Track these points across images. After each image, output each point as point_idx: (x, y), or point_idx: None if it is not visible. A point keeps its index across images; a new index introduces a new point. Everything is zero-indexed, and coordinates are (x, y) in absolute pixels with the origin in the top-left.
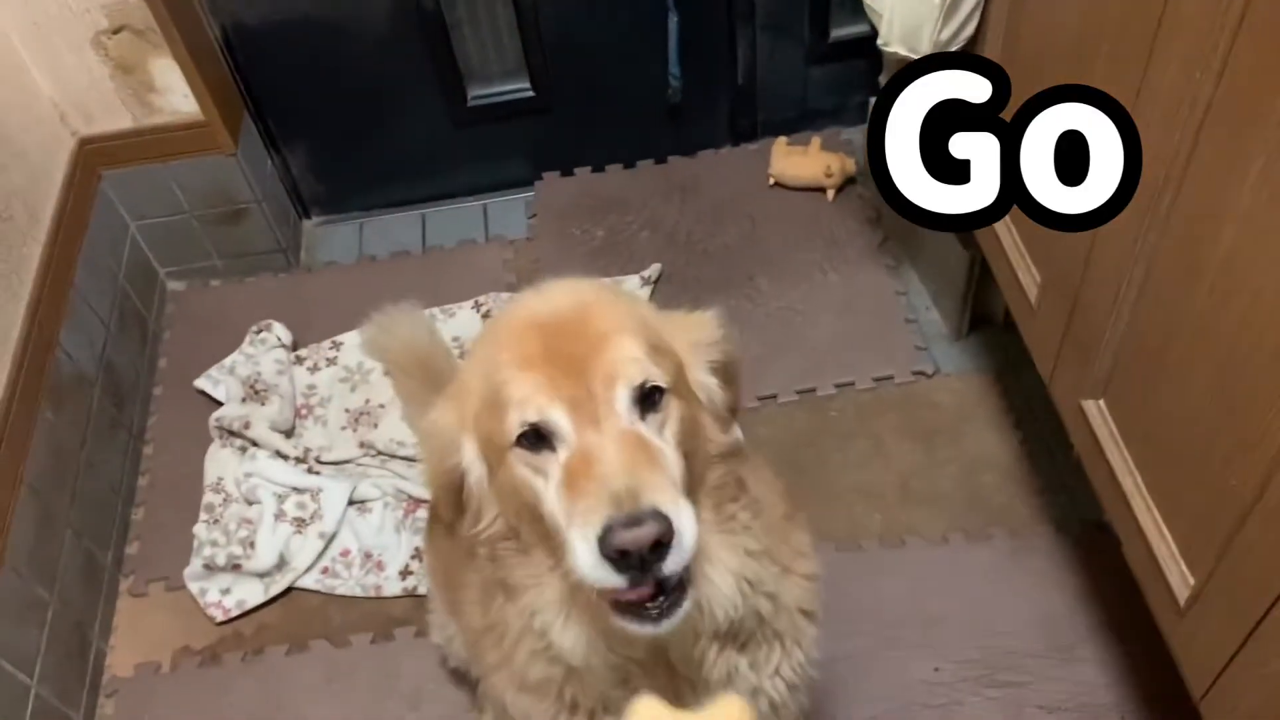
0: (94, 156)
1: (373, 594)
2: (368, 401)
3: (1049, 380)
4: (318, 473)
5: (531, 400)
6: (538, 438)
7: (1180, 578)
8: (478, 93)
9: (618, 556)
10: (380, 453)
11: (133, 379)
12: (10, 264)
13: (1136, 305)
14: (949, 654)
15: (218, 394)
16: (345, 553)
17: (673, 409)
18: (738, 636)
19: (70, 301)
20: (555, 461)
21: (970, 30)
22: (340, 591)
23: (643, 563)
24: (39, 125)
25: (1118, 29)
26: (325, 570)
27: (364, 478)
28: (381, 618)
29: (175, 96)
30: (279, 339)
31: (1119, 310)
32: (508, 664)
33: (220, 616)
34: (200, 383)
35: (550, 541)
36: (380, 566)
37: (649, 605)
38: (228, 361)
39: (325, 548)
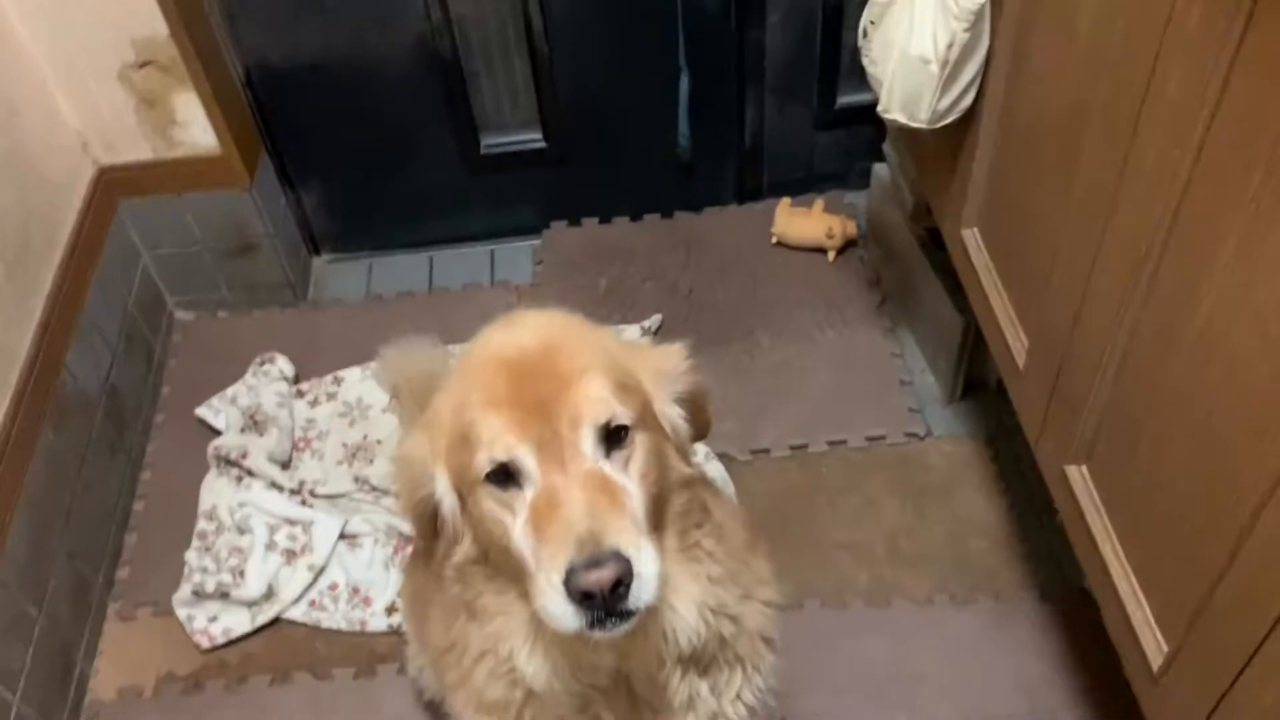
0: (112, 185)
1: (358, 628)
2: (365, 437)
3: (1035, 444)
4: (311, 505)
5: (499, 440)
6: (506, 476)
7: (1155, 644)
8: (491, 141)
9: (581, 598)
10: (374, 488)
11: (135, 404)
12: (24, 284)
13: (1119, 373)
14: (930, 715)
15: (218, 423)
16: (333, 586)
17: (637, 445)
18: (700, 660)
19: (79, 324)
20: (522, 499)
21: (968, 101)
22: (326, 624)
23: (605, 601)
24: (61, 152)
25: (1105, 105)
26: (313, 603)
27: (356, 512)
28: (365, 653)
29: (195, 130)
30: (282, 372)
31: (1102, 377)
32: (466, 683)
33: (206, 644)
34: (201, 411)
35: (518, 572)
36: (367, 602)
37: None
38: (230, 391)
39: (314, 580)
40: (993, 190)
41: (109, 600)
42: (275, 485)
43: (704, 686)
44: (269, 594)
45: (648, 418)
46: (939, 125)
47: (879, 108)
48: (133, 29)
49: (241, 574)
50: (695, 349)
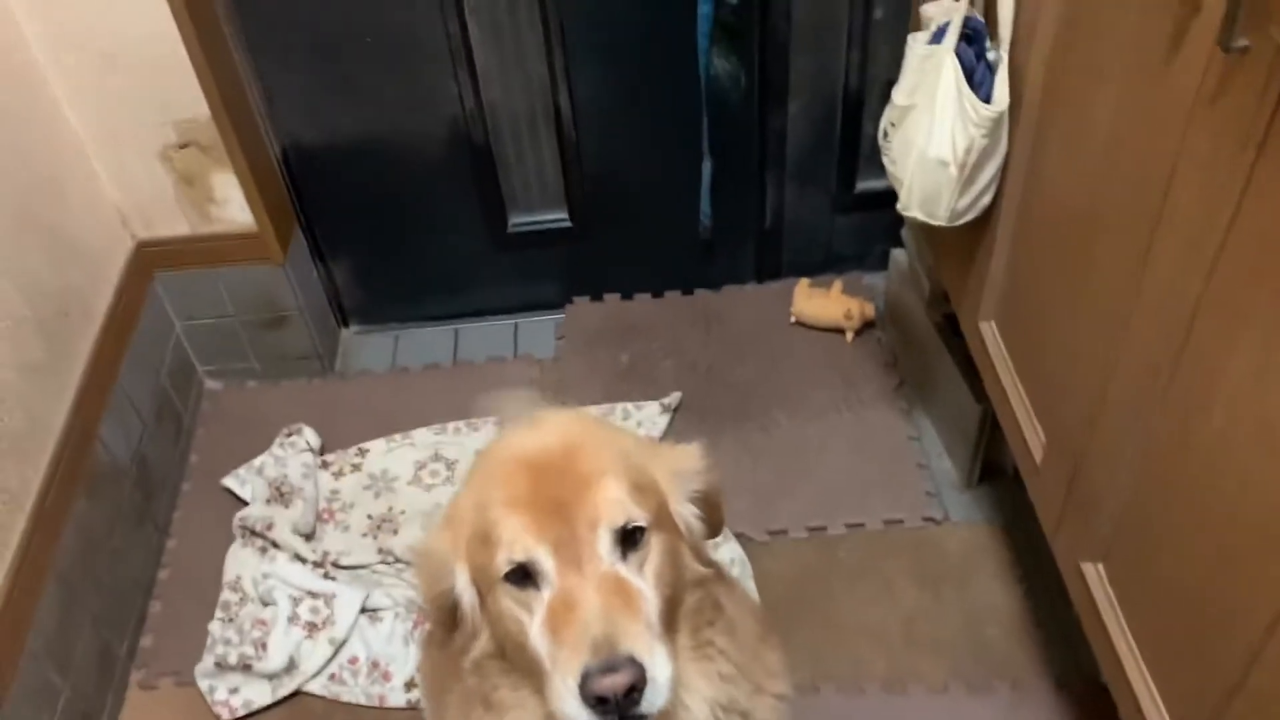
0: (149, 259)
1: (377, 703)
2: (390, 509)
3: (1051, 538)
4: (333, 577)
5: (519, 541)
6: (524, 575)
7: None
8: (518, 220)
9: (595, 702)
10: (398, 560)
11: (163, 473)
12: (62, 358)
13: (1137, 476)
14: None
15: (244, 493)
16: (353, 660)
17: (653, 546)
18: None
19: (113, 395)
20: (540, 600)
21: (986, 201)
22: (345, 698)
23: (619, 706)
24: (101, 227)
25: (1119, 215)
26: (333, 676)
27: (378, 585)
28: None
29: (233, 208)
30: (308, 443)
31: (1119, 478)
32: None
33: (227, 715)
34: (228, 481)
35: (533, 669)
36: (386, 677)
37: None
38: (256, 462)
39: (334, 654)
40: (1010, 286)
41: (132, 669)
42: (299, 557)
43: None
44: (290, 666)
45: (664, 518)
46: (957, 223)
47: (899, 205)
48: (176, 111)
49: (264, 646)
50: (713, 427)
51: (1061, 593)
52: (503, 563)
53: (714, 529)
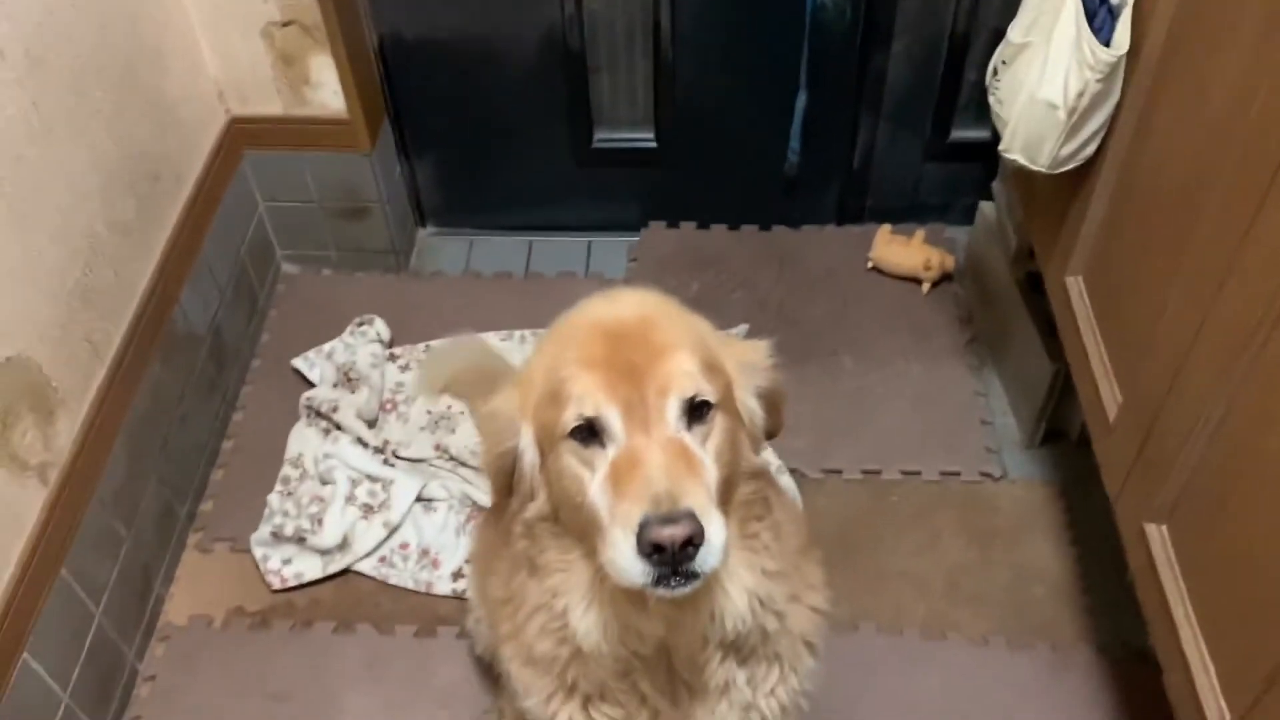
0: (240, 136)
1: (423, 589)
2: (449, 407)
3: (1115, 499)
4: (393, 465)
5: (590, 397)
6: (590, 433)
7: (1218, 712)
8: (603, 136)
9: (651, 551)
10: (453, 457)
11: (235, 347)
12: (150, 221)
13: (1212, 440)
14: None
15: (312, 375)
16: (404, 546)
17: (717, 424)
18: (740, 649)
19: (195, 264)
20: (603, 457)
21: (1090, 150)
22: (393, 581)
23: (673, 558)
24: (198, 99)
25: (1231, 177)
26: (383, 559)
27: (434, 478)
28: (428, 614)
29: (326, 92)
30: (378, 334)
31: (1194, 442)
32: (518, 636)
33: (277, 584)
34: (297, 362)
35: (587, 529)
36: (435, 564)
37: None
38: (327, 347)
39: (387, 537)
40: (1102, 242)
41: (190, 531)
42: (361, 441)
43: (741, 676)
44: (343, 545)
45: (728, 402)
46: (1057, 171)
47: (1000, 146)
48: None
49: (320, 522)
50: (777, 363)
51: (1112, 561)
52: (571, 418)
53: (774, 429)
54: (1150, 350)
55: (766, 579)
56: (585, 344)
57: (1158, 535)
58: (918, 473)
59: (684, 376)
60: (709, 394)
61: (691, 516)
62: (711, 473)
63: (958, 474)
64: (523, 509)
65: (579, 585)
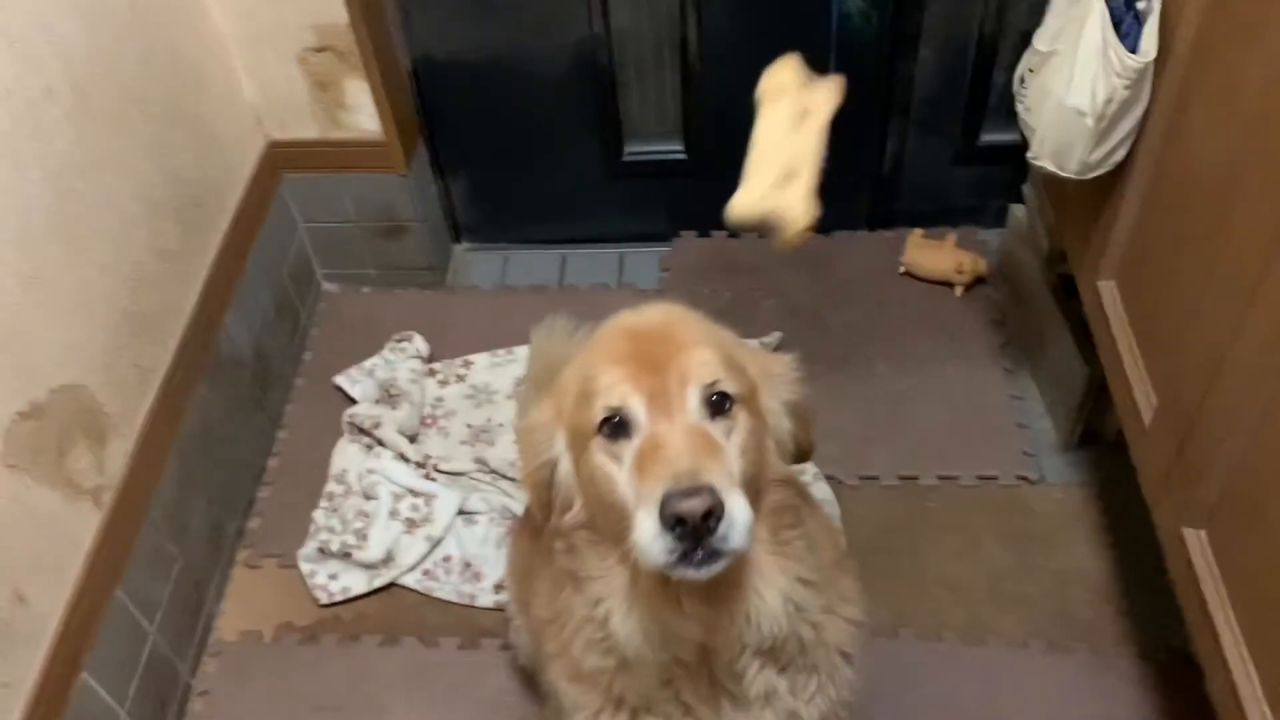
0: (279, 159)
1: (467, 602)
2: (489, 420)
3: (1152, 503)
4: (434, 479)
5: (615, 389)
6: (618, 427)
7: (1260, 718)
8: (634, 149)
9: (674, 523)
10: (493, 470)
11: (279, 366)
12: (195, 246)
13: (1250, 444)
14: None
15: (354, 392)
16: (447, 558)
17: (740, 419)
18: (778, 658)
19: (238, 288)
20: (630, 448)
21: (1120, 155)
22: (437, 594)
23: (695, 532)
24: (238, 125)
25: (1265, 179)
26: (426, 572)
27: (475, 491)
28: (471, 626)
29: (362, 115)
30: (417, 350)
31: (1231, 446)
32: (565, 653)
33: (325, 599)
34: (339, 380)
35: (620, 527)
36: (478, 577)
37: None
38: (368, 364)
39: (430, 551)
40: (1134, 246)
41: (239, 548)
42: (402, 457)
43: (781, 684)
44: (388, 559)
45: (752, 402)
46: (1087, 177)
47: (1029, 154)
48: (316, 15)
49: (365, 537)
50: (811, 370)
51: (1152, 563)
52: (599, 410)
53: (804, 447)
54: (1185, 354)
55: (800, 585)
56: (612, 345)
57: (1196, 540)
58: (955, 477)
59: (703, 366)
60: (729, 386)
61: (711, 490)
62: (734, 460)
63: (995, 478)
64: (560, 519)
65: (618, 590)
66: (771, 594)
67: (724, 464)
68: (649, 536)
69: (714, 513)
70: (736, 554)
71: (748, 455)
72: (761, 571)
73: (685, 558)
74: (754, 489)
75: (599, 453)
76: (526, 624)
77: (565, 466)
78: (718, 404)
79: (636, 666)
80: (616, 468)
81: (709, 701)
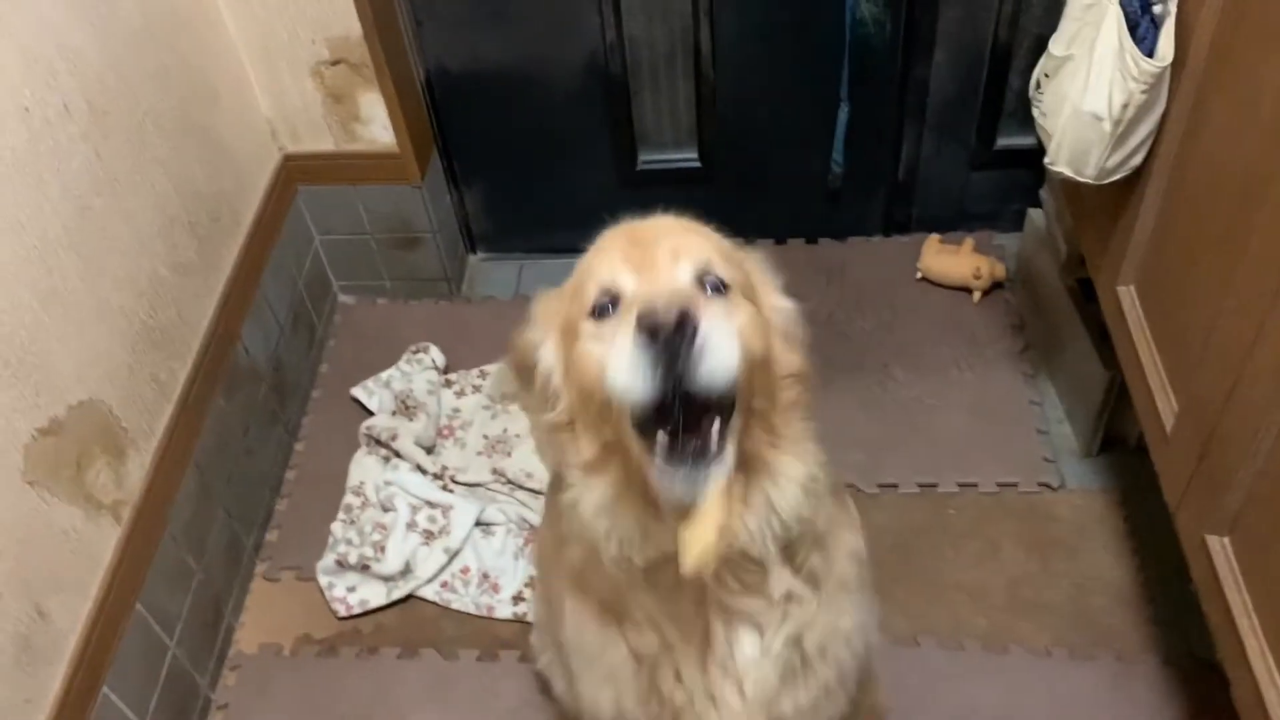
0: (294, 172)
1: (485, 613)
2: (505, 431)
3: (1175, 510)
4: (451, 491)
5: (606, 269)
6: (606, 308)
7: None
8: (647, 157)
9: (648, 339)
10: (510, 481)
11: (296, 379)
12: (212, 260)
13: (1274, 450)
14: None
15: (371, 404)
16: (465, 570)
17: (740, 306)
18: (794, 558)
19: (254, 301)
20: (618, 322)
21: (1138, 160)
22: (455, 606)
23: (669, 349)
24: (253, 138)
25: None
26: (444, 584)
27: (492, 502)
28: (489, 637)
29: (376, 127)
30: (433, 361)
31: (1255, 451)
32: (564, 565)
33: (343, 611)
34: (356, 391)
35: (604, 415)
36: (495, 588)
37: (683, 444)
38: (384, 375)
39: (448, 562)
40: (1154, 250)
41: (257, 561)
42: (420, 468)
43: (801, 587)
44: (405, 571)
45: (750, 294)
46: (1105, 182)
47: (1046, 159)
48: (329, 28)
49: (382, 549)
50: (828, 377)
51: (1175, 569)
52: (591, 292)
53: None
54: (1206, 359)
55: (814, 480)
56: (607, 242)
57: (1220, 547)
58: (974, 484)
59: (695, 247)
60: (724, 272)
61: (687, 312)
62: (730, 330)
63: (1015, 484)
64: (548, 413)
65: (597, 485)
66: (790, 485)
67: (713, 310)
68: (623, 365)
69: (689, 323)
70: (723, 449)
71: (747, 338)
72: (779, 468)
73: (671, 451)
74: (762, 379)
75: (589, 340)
76: (544, 605)
77: (549, 362)
78: (713, 286)
79: (617, 569)
80: (602, 347)
81: (698, 619)
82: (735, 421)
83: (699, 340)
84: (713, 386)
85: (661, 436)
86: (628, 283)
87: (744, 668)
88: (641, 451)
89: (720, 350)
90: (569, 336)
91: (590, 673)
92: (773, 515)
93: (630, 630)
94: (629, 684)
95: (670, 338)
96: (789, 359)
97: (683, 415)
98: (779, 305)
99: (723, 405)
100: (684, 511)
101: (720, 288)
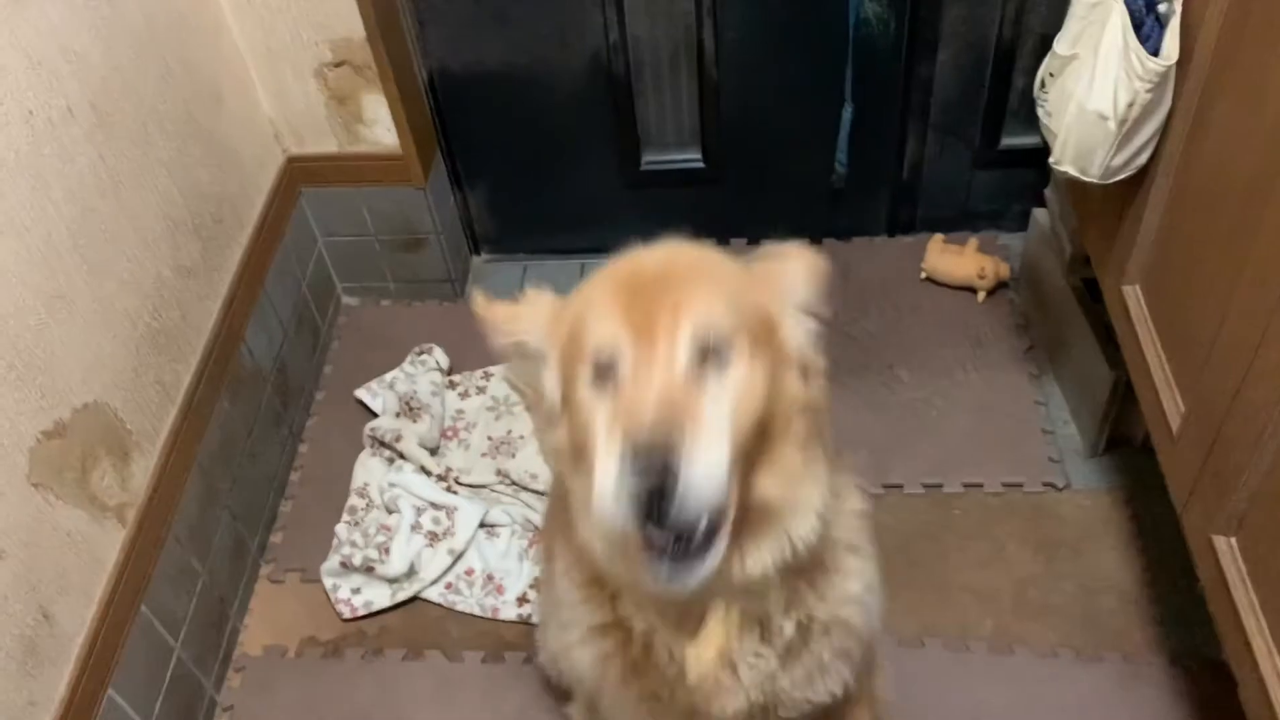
0: (298, 174)
1: (489, 615)
2: (509, 432)
3: (1181, 510)
4: (455, 492)
5: (606, 330)
6: (603, 368)
7: None
8: (651, 158)
9: (634, 476)
10: (514, 482)
11: (300, 381)
12: (216, 262)
13: None
14: None
15: (375, 405)
16: (469, 571)
17: (741, 373)
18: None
19: (259, 303)
20: (612, 392)
21: (1143, 159)
22: (460, 608)
23: (650, 497)
24: (256, 140)
25: None
26: (449, 585)
27: (496, 503)
28: (494, 639)
29: (379, 129)
30: (437, 363)
31: (1261, 451)
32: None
33: (348, 613)
34: (360, 393)
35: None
36: (500, 590)
37: (669, 549)
38: (388, 377)
39: (452, 564)
40: (1159, 250)
41: (262, 563)
42: (424, 470)
43: (810, 594)
44: (410, 572)
45: (764, 338)
46: (1110, 181)
47: (1050, 159)
48: (332, 30)
49: (387, 551)
50: (833, 378)
51: (1182, 569)
52: (588, 349)
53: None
54: (1212, 359)
55: (828, 510)
56: (610, 284)
57: (1227, 547)
58: (980, 485)
59: (698, 311)
60: (729, 331)
61: (671, 449)
62: (722, 415)
63: (1020, 485)
64: (551, 435)
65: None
66: (803, 517)
67: (702, 418)
68: (608, 486)
69: (673, 464)
70: (712, 544)
71: (746, 405)
72: (790, 500)
73: (662, 553)
74: (766, 432)
75: (585, 388)
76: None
77: (552, 386)
78: (714, 350)
79: (614, 581)
80: (598, 409)
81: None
82: (729, 512)
83: (683, 479)
84: (699, 511)
85: (646, 532)
86: (626, 350)
87: (742, 651)
88: (630, 537)
89: (707, 480)
90: (569, 375)
91: (577, 630)
92: (786, 545)
93: (622, 607)
94: (615, 657)
95: (654, 483)
96: (799, 395)
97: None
98: (796, 337)
99: (713, 507)
100: (678, 605)
101: (723, 351)
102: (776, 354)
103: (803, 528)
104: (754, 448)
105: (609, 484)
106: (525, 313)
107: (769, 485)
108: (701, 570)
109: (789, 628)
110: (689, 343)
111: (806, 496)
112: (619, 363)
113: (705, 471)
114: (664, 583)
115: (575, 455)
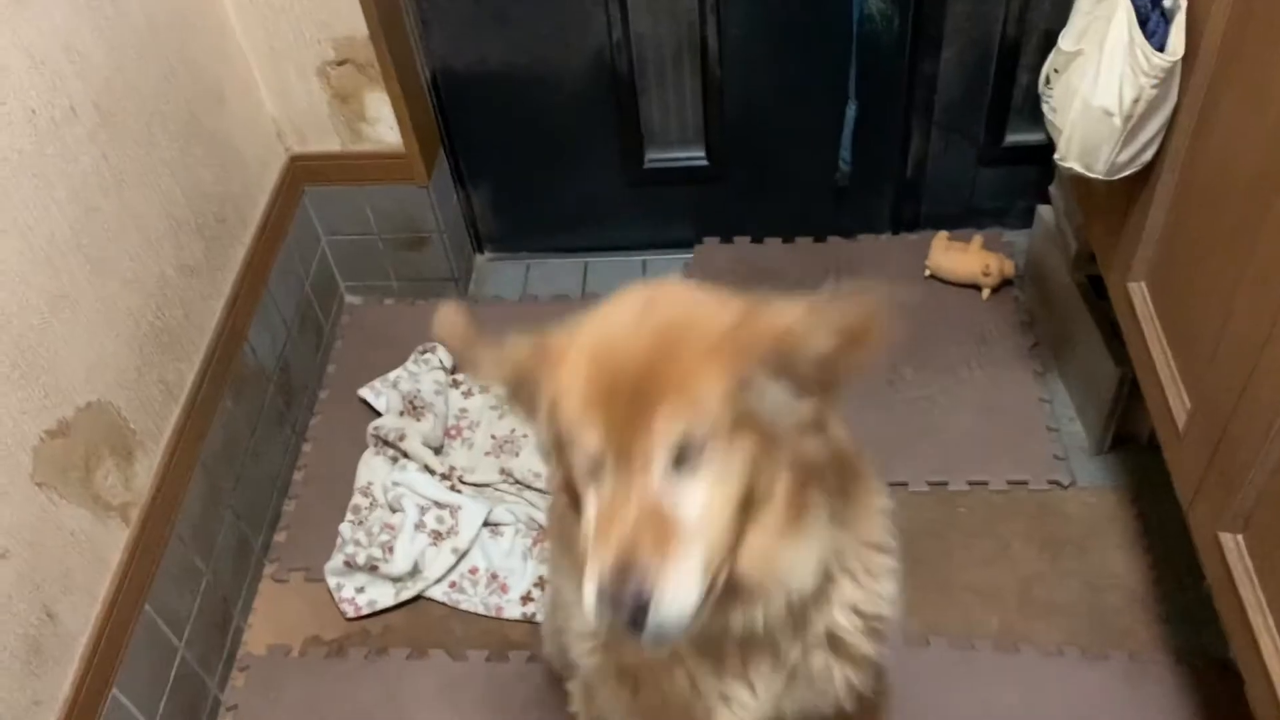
0: (301, 173)
1: (494, 614)
2: (512, 431)
3: (1187, 508)
4: (459, 491)
5: (585, 444)
6: (586, 465)
7: None
8: (654, 156)
9: (610, 603)
10: (518, 481)
11: (303, 380)
12: (219, 261)
13: None
14: None
15: (378, 404)
16: (473, 570)
17: (715, 460)
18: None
19: (262, 302)
20: (594, 495)
21: (1148, 156)
22: (464, 606)
23: (631, 614)
24: (259, 139)
25: None
26: (453, 584)
27: (500, 502)
28: (498, 638)
29: (382, 127)
30: (441, 361)
31: (1269, 448)
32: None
33: (351, 613)
34: (364, 392)
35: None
36: (504, 589)
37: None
38: (391, 375)
39: (456, 563)
40: (1165, 246)
41: (265, 562)
42: (428, 469)
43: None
44: (414, 571)
45: (744, 422)
46: (1115, 178)
47: (1056, 155)
48: (335, 29)
49: (391, 550)
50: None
51: (1188, 566)
52: (575, 452)
53: (854, 361)
54: (1218, 356)
55: (829, 529)
56: (587, 391)
57: (1233, 545)
58: (985, 483)
59: (682, 404)
60: (709, 424)
61: (641, 581)
62: (697, 518)
63: (1025, 483)
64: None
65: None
66: (800, 573)
67: (676, 535)
68: (589, 601)
69: (643, 598)
70: (679, 629)
71: (725, 492)
72: (786, 561)
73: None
74: (751, 503)
75: (574, 467)
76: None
77: (542, 434)
78: (691, 453)
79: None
80: (589, 497)
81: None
82: (713, 593)
83: (654, 609)
84: (676, 629)
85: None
86: (606, 462)
87: (759, 673)
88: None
89: (680, 605)
90: (554, 435)
91: (590, 640)
92: (781, 601)
93: None
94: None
95: (627, 617)
96: (801, 449)
97: None
98: (780, 406)
99: (689, 620)
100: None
101: (700, 448)
102: (764, 429)
103: (798, 580)
104: (740, 521)
105: (591, 601)
106: (509, 360)
107: (756, 550)
108: (679, 636)
109: (795, 653)
110: (665, 456)
111: (803, 556)
112: (600, 468)
113: (678, 597)
114: (645, 649)
115: (569, 497)
